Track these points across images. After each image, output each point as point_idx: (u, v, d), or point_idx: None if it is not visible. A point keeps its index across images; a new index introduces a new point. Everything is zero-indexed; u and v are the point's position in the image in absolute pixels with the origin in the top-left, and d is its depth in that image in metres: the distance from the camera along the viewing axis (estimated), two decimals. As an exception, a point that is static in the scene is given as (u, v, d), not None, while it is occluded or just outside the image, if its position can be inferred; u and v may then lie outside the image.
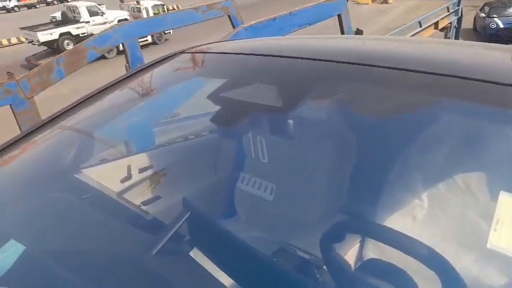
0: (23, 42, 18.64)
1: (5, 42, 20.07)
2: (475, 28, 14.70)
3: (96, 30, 13.99)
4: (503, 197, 0.73)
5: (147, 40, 16.07)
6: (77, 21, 17.97)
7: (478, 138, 1.05)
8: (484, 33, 13.68)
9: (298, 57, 1.12)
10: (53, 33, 16.98)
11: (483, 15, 14.24)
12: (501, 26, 13.19)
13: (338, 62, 1.09)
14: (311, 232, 1.17)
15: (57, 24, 18.03)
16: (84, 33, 17.56)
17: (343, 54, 1.16)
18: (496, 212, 0.72)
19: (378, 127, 1.24)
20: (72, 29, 17.73)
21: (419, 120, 1.09)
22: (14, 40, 20.12)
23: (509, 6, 14.23)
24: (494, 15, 13.74)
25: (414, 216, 1.13)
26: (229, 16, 6.39)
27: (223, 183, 1.43)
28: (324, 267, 0.95)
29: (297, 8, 4.47)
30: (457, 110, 1.05)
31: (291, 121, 1.17)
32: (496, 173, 1.02)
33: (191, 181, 1.33)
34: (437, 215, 1.10)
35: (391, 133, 1.20)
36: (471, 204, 1.04)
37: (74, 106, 1.12)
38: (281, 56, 1.17)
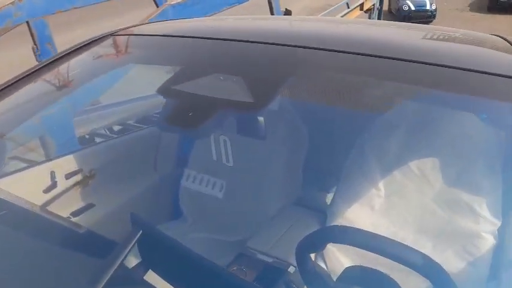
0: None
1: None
2: (390, 10, 15.64)
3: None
4: None
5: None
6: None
7: (429, 124, 1.04)
8: (398, 15, 14.67)
9: (235, 40, 1.02)
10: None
11: (397, -3, 15.22)
12: (413, 8, 14.25)
13: (290, 46, 0.99)
14: (268, 229, 1.10)
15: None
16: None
17: (293, 37, 1.07)
18: None
19: (331, 116, 1.19)
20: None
21: (375, 109, 1.06)
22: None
23: (420, -10, 15.39)
24: (407, -2, 14.78)
25: (372, 206, 1.11)
26: (151, -8, 5.98)
27: (164, 184, 1.29)
28: (289, 268, 0.89)
29: (225, -14, 4.29)
30: (409, 95, 1.04)
31: (237, 112, 1.07)
32: (447, 156, 1.03)
33: (128, 184, 1.18)
34: (394, 203, 1.09)
35: (345, 122, 1.16)
36: (427, 191, 1.05)
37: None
38: (221, 39, 1.05)
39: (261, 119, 1.02)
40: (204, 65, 1.05)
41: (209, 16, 3.95)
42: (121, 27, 1.15)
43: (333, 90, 1.03)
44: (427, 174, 1.04)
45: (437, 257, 0.94)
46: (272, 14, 5.07)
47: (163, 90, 1.09)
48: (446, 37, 1.05)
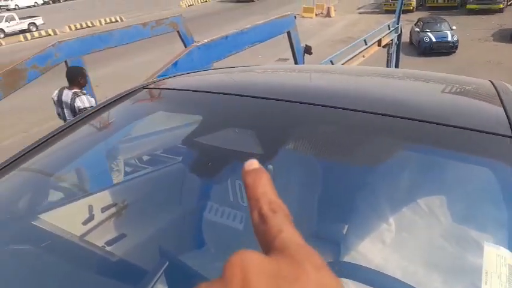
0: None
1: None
2: (411, 42, 15.73)
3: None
4: (488, 248, 0.78)
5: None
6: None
7: (435, 166, 1.12)
8: (419, 47, 14.69)
9: (252, 96, 1.14)
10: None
11: (417, 29, 15.31)
12: (434, 40, 14.24)
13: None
14: None
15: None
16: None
17: (305, 95, 1.18)
18: (484, 264, 0.76)
19: (343, 163, 1.28)
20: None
21: (386, 156, 1.14)
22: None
23: (440, 22, 15.46)
24: (427, 30, 14.82)
25: (383, 241, 1.17)
26: (178, 32, 6.34)
27: (188, 221, 1.39)
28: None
29: (248, 26, 4.53)
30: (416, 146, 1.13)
31: (261, 158, 1.16)
32: (453, 195, 1.09)
33: (156, 218, 1.29)
34: (404, 238, 1.14)
35: (357, 167, 1.24)
36: (435, 227, 1.10)
37: (32, 149, 1.04)
38: (240, 95, 1.18)
39: (270, 167, 1.13)
40: (223, 119, 1.17)
41: (233, 54, 4.17)
42: (152, 80, 1.29)
43: (345, 142, 1.13)
44: (435, 211, 1.10)
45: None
46: (293, 50, 5.28)
47: (186, 141, 1.22)
48: (442, 89, 1.16)
